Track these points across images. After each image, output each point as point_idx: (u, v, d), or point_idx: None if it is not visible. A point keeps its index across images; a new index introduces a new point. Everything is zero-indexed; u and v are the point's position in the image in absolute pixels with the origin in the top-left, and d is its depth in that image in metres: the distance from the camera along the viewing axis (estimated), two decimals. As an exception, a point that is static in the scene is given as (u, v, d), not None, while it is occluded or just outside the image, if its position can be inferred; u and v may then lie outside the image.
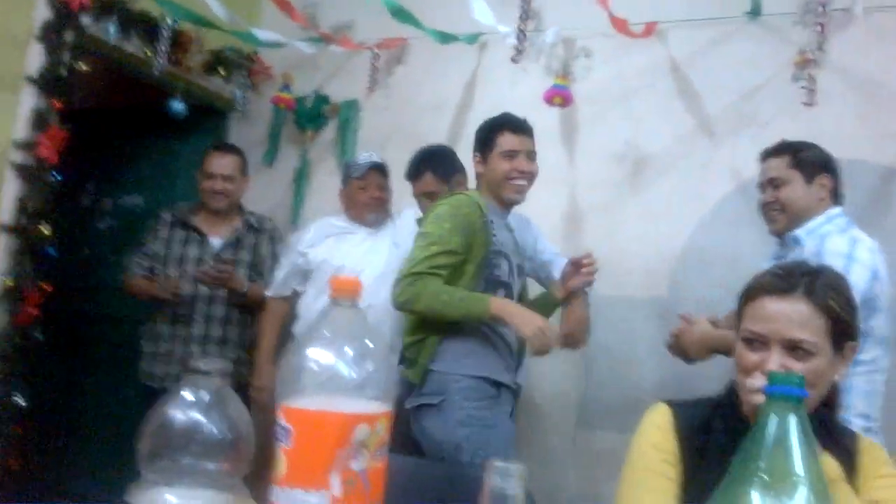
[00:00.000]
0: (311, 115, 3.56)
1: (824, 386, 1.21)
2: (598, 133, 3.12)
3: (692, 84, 3.04)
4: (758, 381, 1.19)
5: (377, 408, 0.84)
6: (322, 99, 3.57)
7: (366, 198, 2.91)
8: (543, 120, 3.14)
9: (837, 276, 1.31)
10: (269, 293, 2.98)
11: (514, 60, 2.71)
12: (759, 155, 2.29)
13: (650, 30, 2.99)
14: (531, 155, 2.39)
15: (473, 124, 3.30)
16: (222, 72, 3.44)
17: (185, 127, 3.36)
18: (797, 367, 1.17)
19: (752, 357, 1.22)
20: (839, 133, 2.73)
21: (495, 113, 3.24)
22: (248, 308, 3.04)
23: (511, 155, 2.35)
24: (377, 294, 2.55)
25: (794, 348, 1.18)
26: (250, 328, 3.06)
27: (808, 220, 2.13)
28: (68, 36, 2.81)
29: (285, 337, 2.91)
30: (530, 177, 2.38)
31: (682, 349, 2.23)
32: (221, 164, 3.03)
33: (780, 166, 2.19)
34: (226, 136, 3.72)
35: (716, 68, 3.00)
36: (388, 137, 3.47)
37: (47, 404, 2.78)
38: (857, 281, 1.88)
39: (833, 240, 2.05)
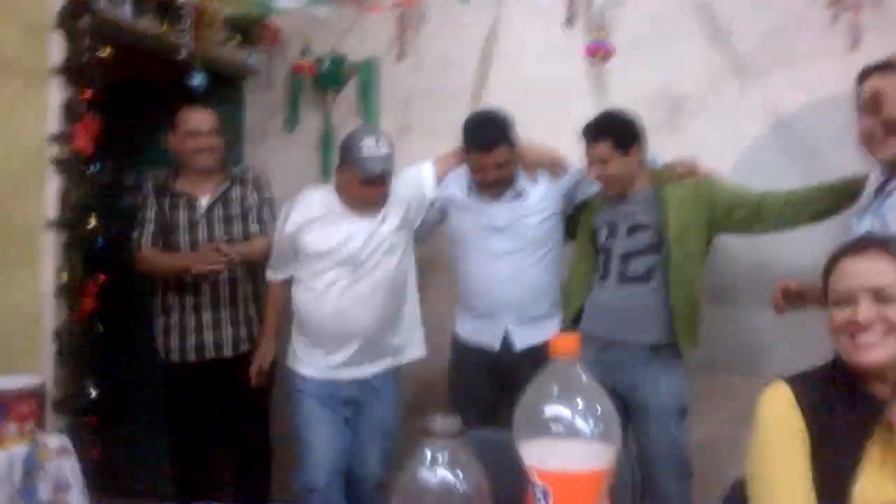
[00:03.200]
0: (329, 76, 3.55)
1: None
2: (628, 79, 3.16)
3: (722, 22, 3.06)
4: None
5: (613, 454, 0.93)
6: (339, 59, 3.55)
7: (368, 198, 2.70)
8: (571, 70, 3.19)
9: None
10: (268, 277, 2.98)
11: (567, 25, 2.72)
12: (857, 76, 2.09)
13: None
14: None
15: (497, 79, 3.38)
16: (235, 39, 3.39)
17: (201, 98, 3.33)
18: (886, 312, 1.30)
19: (843, 313, 1.34)
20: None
21: (519, 67, 3.30)
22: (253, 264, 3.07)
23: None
24: (375, 267, 2.70)
25: (879, 296, 1.31)
26: (261, 281, 3.06)
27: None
28: (85, 22, 2.77)
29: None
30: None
31: (797, 295, 2.28)
32: (203, 119, 3.01)
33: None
34: (242, 104, 3.73)
35: (745, 5, 3.03)
36: (411, 96, 3.50)
37: (111, 395, 2.86)
38: None
39: None
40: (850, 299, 1.34)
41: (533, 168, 2.81)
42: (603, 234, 2.67)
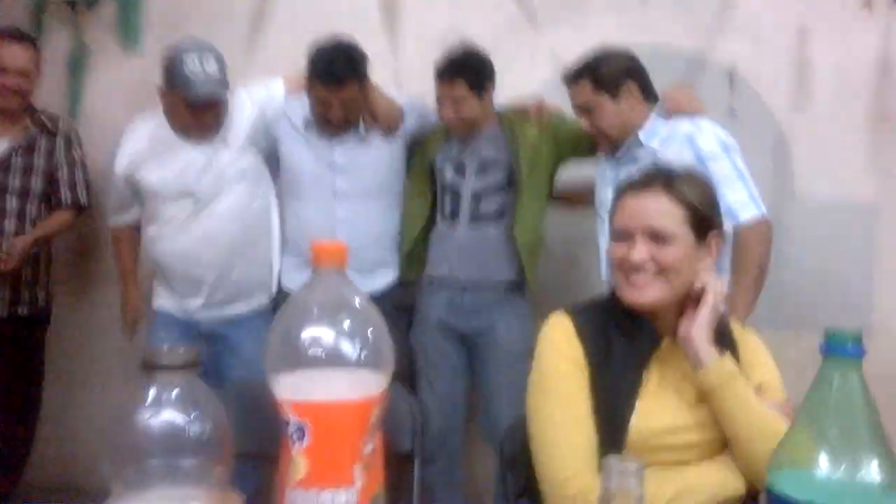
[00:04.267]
0: (82, -12, 3.10)
1: (689, 271, 1.30)
2: (420, 17, 3.05)
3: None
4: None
5: (384, 381, 0.79)
6: (95, -31, 3.11)
7: (195, 125, 2.41)
8: (361, 4, 3.01)
9: (695, 173, 1.44)
10: (111, 222, 2.72)
11: None
12: (561, 79, 2.35)
13: None
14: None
15: (281, 8, 3.12)
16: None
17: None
18: (659, 253, 1.28)
19: (620, 249, 1.32)
20: (656, 23, 2.93)
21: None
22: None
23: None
24: (218, 199, 2.44)
25: (655, 236, 1.29)
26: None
27: (633, 131, 2.25)
28: None
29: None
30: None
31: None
32: (14, 54, 2.66)
33: (584, 93, 2.25)
34: (-28, 12, 3.16)
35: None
36: (180, 16, 3.14)
37: None
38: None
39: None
40: (626, 237, 1.31)
41: (383, 125, 2.58)
42: (448, 173, 2.55)
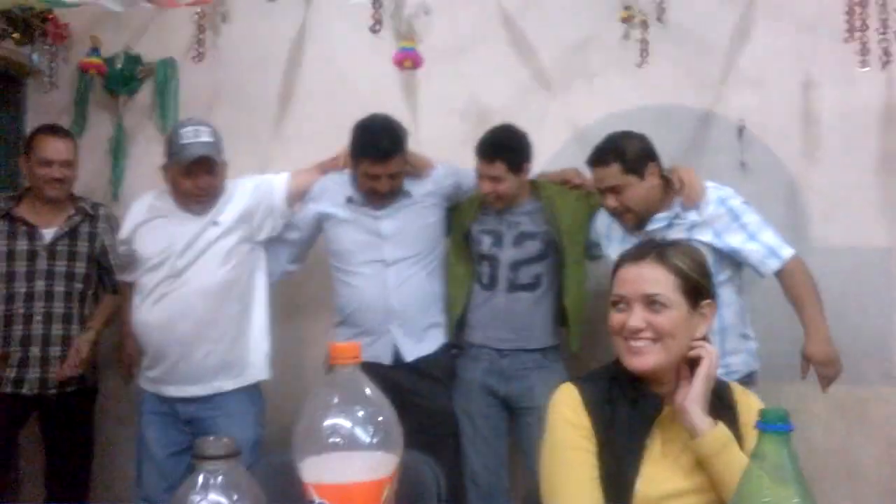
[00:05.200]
0: (122, 77, 3.36)
1: (685, 337, 1.42)
2: (439, 89, 3.23)
3: (525, 36, 3.21)
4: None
5: (395, 461, 0.93)
6: (134, 59, 3.38)
7: (191, 188, 2.60)
8: (381, 76, 3.22)
9: (686, 245, 1.57)
10: (117, 277, 2.94)
11: (372, 31, 2.71)
12: (587, 162, 2.51)
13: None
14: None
15: (304, 81, 3.35)
16: (15, 35, 3.13)
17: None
18: (655, 319, 1.40)
19: (619, 317, 1.44)
20: (662, 82, 3.08)
21: (328, 70, 3.29)
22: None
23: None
24: (195, 274, 2.57)
25: (651, 303, 1.41)
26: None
27: (655, 211, 2.43)
28: None
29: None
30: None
31: None
32: (59, 149, 2.91)
33: (614, 175, 2.41)
34: (24, 104, 3.47)
35: (547, 20, 3.19)
36: (214, 98, 3.38)
37: None
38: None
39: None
40: (624, 304, 1.43)
41: (417, 170, 2.81)
42: (486, 243, 2.73)
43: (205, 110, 3.33)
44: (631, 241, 2.41)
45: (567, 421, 1.44)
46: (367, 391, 0.96)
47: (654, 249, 1.47)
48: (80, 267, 2.96)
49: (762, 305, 2.67)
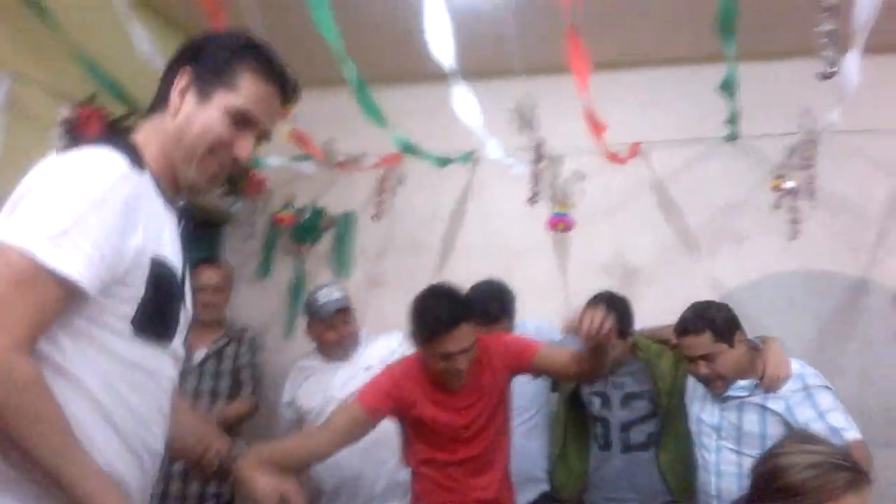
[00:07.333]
0: (308, 228, 3.84)
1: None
2: (587, 245, 3.49)
3: (673, 200, 3.43)
4: None
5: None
6: (319, 212, 3.86)
7: (335, 337, 2.95)
8: (535, 232, 3.50)
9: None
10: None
11: (530, 202, 3.03)
12: (675, 331, 2.55)
13: (634, 152, 3.39)
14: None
15: (464, 236, 3.70)
16: (222, 188, 3.66)
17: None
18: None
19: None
20: (812, 245, 3.17)
21: (488, 224, 3.62)
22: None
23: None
24: None
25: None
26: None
27: (741, 377, 2.49)
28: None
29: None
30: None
31: None
32: (209, 276, 3.28)
33: (706, 344, 2.48)
34: (221, 248, 3.98)
35: (695, 185, 3.41)
36: (384, 248, 3.79)
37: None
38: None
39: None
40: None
41: None
42: (596, 404, 2.82)
43: (375, 259, 3.75)
44: (711, 402, 2.51)
45: None
46: None
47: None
48: (224, 385, 3.20)
49: None
